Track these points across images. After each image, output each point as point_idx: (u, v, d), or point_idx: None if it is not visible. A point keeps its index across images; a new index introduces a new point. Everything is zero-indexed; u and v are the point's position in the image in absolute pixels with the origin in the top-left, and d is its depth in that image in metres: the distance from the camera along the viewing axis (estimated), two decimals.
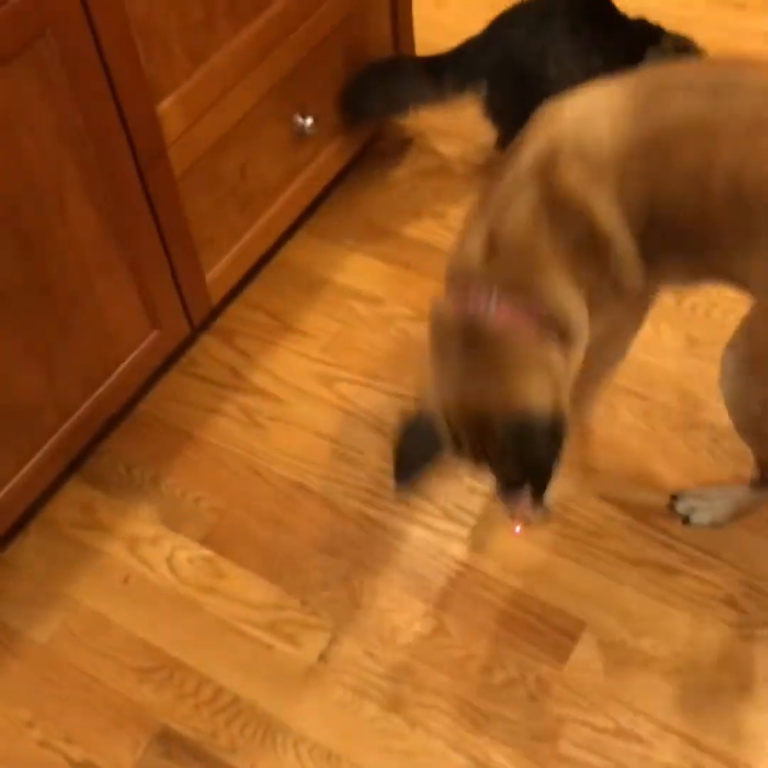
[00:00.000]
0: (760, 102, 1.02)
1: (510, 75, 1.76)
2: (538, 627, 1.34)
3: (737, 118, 1.02)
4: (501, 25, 1.78)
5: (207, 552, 1.45)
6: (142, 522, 1.49)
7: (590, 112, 1.08)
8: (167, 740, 1.28)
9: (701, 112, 1.04)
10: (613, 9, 1.81)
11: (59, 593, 1.42)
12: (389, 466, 1.51)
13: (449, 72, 1.78)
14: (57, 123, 1.19)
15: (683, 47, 1.81)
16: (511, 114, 1.84)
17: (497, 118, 1.85)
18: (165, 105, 1.35)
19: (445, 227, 1.86)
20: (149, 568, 1.44)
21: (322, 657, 1.33)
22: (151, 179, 1.37)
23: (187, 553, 1.45)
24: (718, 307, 1.68)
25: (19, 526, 1.48)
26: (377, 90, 1.78)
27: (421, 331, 1.69)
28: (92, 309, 1.37)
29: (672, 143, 1.04)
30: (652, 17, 1.85)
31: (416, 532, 1.45)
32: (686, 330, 1.66)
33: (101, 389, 1.46)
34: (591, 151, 1.05)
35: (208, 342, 1.71)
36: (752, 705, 1.25)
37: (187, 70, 1.37)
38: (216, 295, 1.64)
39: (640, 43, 1.80)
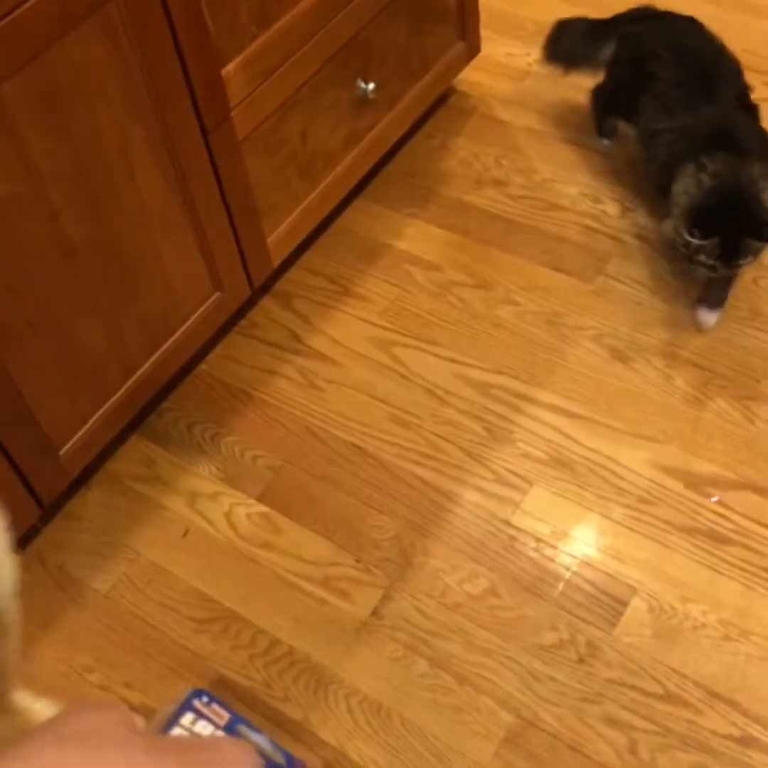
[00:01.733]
0: None
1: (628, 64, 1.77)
2: (589, 591, 1.35)
3: None
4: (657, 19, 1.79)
5: (264, 508, 1.48)
6: (201, 478, 1.53)
7: None
8: (223, 689, 1.32)
9: None
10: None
11: (120, 544, 1.47)
12: (444, 430, 1.54)
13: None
14: (125, 86, 1.22)
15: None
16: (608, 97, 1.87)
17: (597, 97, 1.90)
18: (230, 69, 1.37)
19: (506, 195, 1.86)
20: (208, 522, 1.48)
21: (375, 613, 1.36)
22: (215, 143, 1.39)
23: (245, 509, 1.49)
24: None
25: (83, 479, 1.53)
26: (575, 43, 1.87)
27: (477, 298, 1.70)
28: (157, 270, 1.41)
29: None
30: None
31: (469, 496, 1.47)
32: (750, 302, 1.64)
33: (164, 348, 1.49)
34: None
35: (268, 305, 1.74)
36: None
37: (252, 34, 1.38)
38: (277, 259, 1.66)
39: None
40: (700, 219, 1.49)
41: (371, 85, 1.66)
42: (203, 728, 0.66)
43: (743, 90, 1.68)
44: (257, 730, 0.66)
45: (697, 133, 1.59)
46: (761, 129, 1.66)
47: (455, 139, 1.97)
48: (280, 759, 0.67)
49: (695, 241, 1.49)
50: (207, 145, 1.38)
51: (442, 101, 2.02)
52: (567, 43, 1.88)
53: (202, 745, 0.51)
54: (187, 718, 0.66)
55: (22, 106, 1.11)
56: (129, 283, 1.37)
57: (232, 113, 1.40)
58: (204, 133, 1.37)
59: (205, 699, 0.67)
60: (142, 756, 0.47)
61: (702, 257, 1.51)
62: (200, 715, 0.66)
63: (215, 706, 0.67)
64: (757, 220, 1.48)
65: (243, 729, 0.70)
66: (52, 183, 1.18)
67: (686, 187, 1.55)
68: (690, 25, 1.74)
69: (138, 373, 1.47)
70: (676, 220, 1.55)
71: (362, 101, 1.69)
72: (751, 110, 1.68)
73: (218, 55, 1.34)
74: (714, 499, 1.41)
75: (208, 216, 1.44)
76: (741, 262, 1.51)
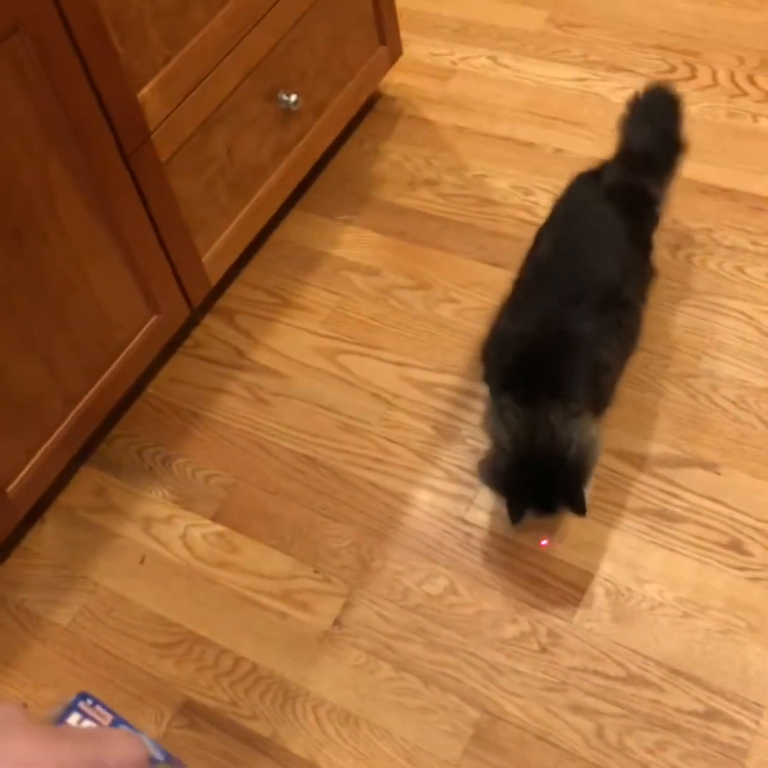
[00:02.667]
0: None
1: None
2: (546, 581, 1.36)
3: None
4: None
5: (219, 528, 1.48)
6: (155, 503, 1.53)
7: None
8: (190, 712, 1.32)
9: None
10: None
11: (78, 576, 1.46)
12: (393, 433, 1.54)
13: None
14: (38, 118, 1.21)
15: None
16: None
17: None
18: (145, 92, 1.36)
19: (438, 195, 1.87)
20: (164, 546, 1.47)
21: (337, 622, 1.36)
22: (137, 166, 1.39)
23: (200, 530, 1.48)
24: (713, 257, 1.68)
25: (35, 514, 1.52)
26: None
27: (418, 299, 1.71)
28: (88, 298, 1.40)
29: None
30: None
31: (423, 496, 1.47)
32: (683, 280, 1.66)
33: (105, 376, 1.49)
34: None
35: (210, 322, 1.74)
36: (761, 646, 1.27)
37: (165, 56, 1.38)
38: (214, 277, 1.66)
39: None
40: (508, 493, 1.31)
41: (294, 97, 1.66)
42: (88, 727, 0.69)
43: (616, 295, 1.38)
44: (139, 731, 0.70)
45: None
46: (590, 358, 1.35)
47: (385, 143, 1.97)
48: (159, 756, 0.70)
49: (508, 519, 1.30)
50: (129, 168, 1.38)
51: (370, 106, 2.03)
52: None
53: (96, 734, 0.57)
54: (73, 718, 0.69)
55: None
56: (60, 314, 1.36)
57: (152, 135, 1.40)
58: (124, 157, 1.36)
59: (89, 701, 0.70)
60: (43, 741, 0.52)
61: (519, 516, 1.30)
62: (85, 715, 0.70)
63: (99, 708, 0.71)
64: (567, 492, 1.28)
65: (125, 728, 0.72)
66: None
67: (493, 430, 1.35)
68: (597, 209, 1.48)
69: (81, 404, 1.46)
70: (485, 471, 1.38)
71: (287, 113, 1.70)
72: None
73: (132, 78, 1.34)
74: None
75: (136, 240, 1.44)
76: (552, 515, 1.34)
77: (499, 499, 1.35)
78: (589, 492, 1.29)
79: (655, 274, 1.55)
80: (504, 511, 1.31)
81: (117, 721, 0.71)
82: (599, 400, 1.38)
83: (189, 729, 1.30)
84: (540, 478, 1.29)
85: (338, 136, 1.90)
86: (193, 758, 1.27)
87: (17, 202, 1.23)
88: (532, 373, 1.32)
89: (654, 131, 1.59)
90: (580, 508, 1.27)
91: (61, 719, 0.69)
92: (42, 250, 1.29)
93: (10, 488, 1.38)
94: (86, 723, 0.70)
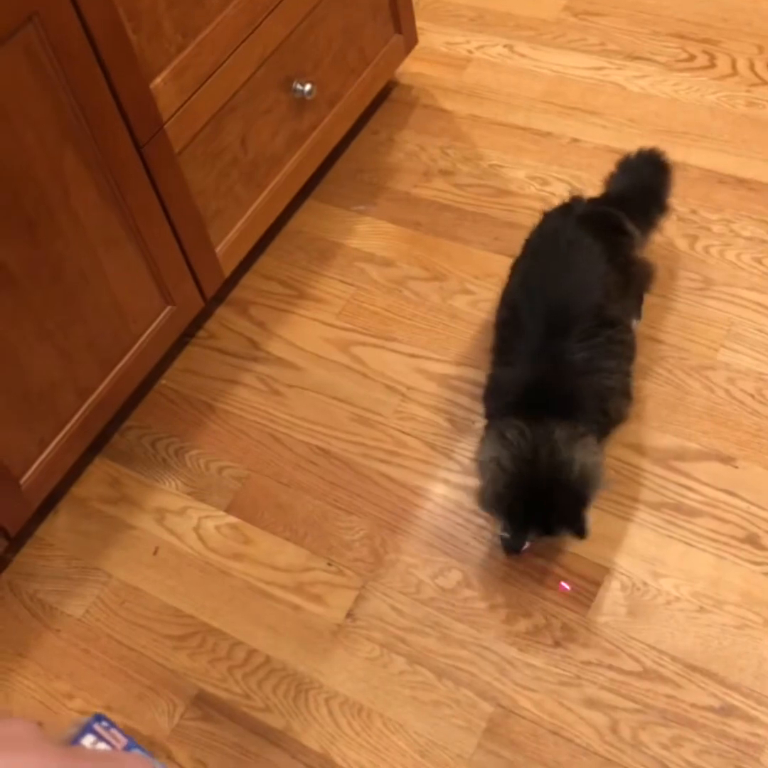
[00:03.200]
0: None
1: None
2: (561, 574, 1.35)
3: None
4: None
5: (233, 519, 1.48)
6: (168, 494, 1.52)
7: None
8: (203, 704, 1.31)
9: None
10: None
11: (92, 568, 1.46)
12: (407, 425, 1.54)
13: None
14: (52, 108, 1.21)
15: None
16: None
17: None
18: (158, 82, 1.36)
19: (454, 185, 1.85)
20: (177, 538, 1.47)
21: (350, 614, 1.36)
22: (150, 157, 1.38)
23: (214, 521, 1.48)
24: (731, 248, 1.67)
25: (49, 506, 1.52)
26: None
27: (432, 291, 1.70)
28: (103, 290, 1.40)
29: None
30: None
31: (437, 489, 1.46)
32: (701, 272, 1.64)
33: (119, 368, 1.49)
34: None
35: (223, 314, 1.74)
36: None
37: (178, 45, 1.37)
38: (228, 268, 1.65)
39: None
40: (508, 512, 1.27)
41: (308, 86, 1.65)
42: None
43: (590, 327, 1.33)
44: (151, 755, 0.69)
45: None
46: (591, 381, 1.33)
47: (400, 133, 1.96)
48: None
49: (507, 540, 1.29)
50: (142, 159, 1.37)
51: (385, 95, 2.01)
52: None
53: (110, 757, 0.58)
54: (88, 739, 0.69)
55: None
56: (74, 306, 1.36)
57: (166, 126, 1.39)
58: (138, 148, 1.36)
59: (105, 724, 0.70)
60: (58, 760, 0.53)
61: (515, 544, 1.30)
62: (100, 737, 0.70)
63: (114, 731, 0.70)
64: (568, 513, 1.26)
65: (138, 753, 0.71)
66: None
67: (491, 454, 1.30)
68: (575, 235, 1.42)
69: (94, 395, 1.46)
70: (484, 494, 1.30)
71: (301, 103, 1.68)
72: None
73: (145, 68, 1.33)
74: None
75: (150, 231, 1.43)
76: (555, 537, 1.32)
77: (498, 528, 1.31)
78: (589, 514, 1.26)
79: (648, 281, 1.53)
80: (500, 541, 1.30)
81: (131, 745, 0.71)
82: (606, 425, 1.36)
83: (202, 721, 1.30)
84: (541, 498, 1.25)
85: (353, 125, 1.89)
86: (206, 750, 1.27)
87: (31, 193, 1.22)
88: (536, 401, 1.30)
89: (638, 187, 1.56)
90: (580, 531, 1.25)
91: (75, 740, 0.68)
92: (56, 241, 1.28)
93: (23, 480, 1.38)
94: (101, 745, 0.69)
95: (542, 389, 1.31)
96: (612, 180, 1.60)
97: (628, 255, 1.48)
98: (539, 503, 1.25)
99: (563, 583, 1.34)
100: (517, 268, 1.48)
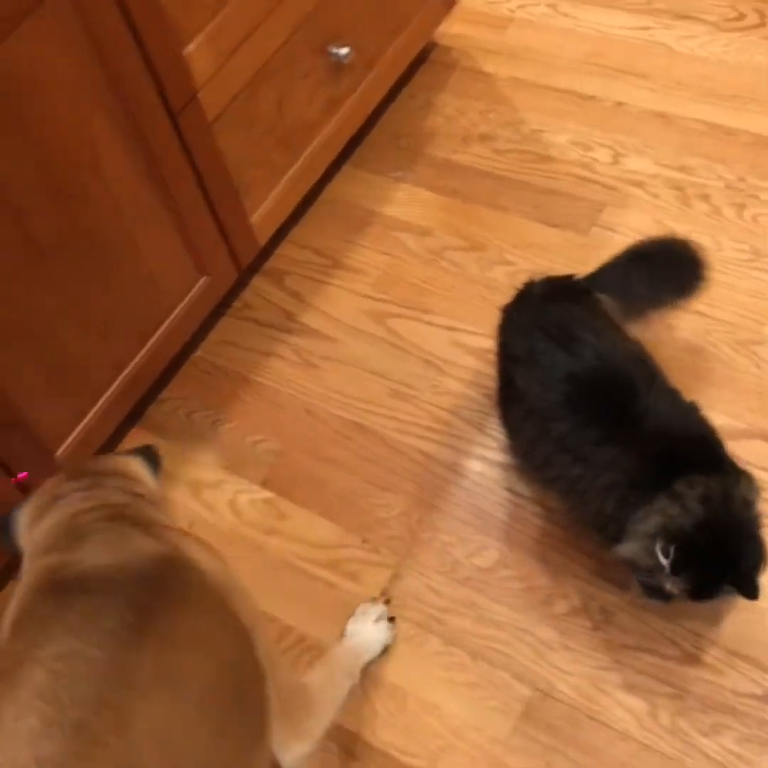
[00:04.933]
0: None
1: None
2: (600, 556, 1.32)
3: None
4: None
5: (267, 494, 1.47)
6: (203, 467, 1.51)
7: None
8: None
9: None
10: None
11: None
12: (444, 400, 1.51)
13: None
14: (83, 76, 1.18)
15: None
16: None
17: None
18: (192, 48, 1.32)
19: (493, 150, 1.81)
20: (212, 511, 1.47)
21: (385, 593, 1.34)
22: (184, 125, 1.35)
23: (249, 495, 1.47)
24: None
25: None
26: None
27: (471, 261, 1.66)
28: (135, 261, 1.38)
29: None
30: None
31: (473, 466, 1.44)
32: (749, 242, 1.59)
33: (154, 339, 1.47)
34: None
35: (258, 284, 1.71)
36: None
37: (211, 10, 1.33)
38: (263, 237, 1.63)
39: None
40: (682, 547, 1.12)
41: (345, 50, 1.61)
42: None
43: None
44: None
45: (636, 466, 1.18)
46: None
47: (439, 96, 1.91)
48: None
49: (666, 568, 1.12)
50: (175, 128, 1.34)
51: (423, 57, 1.96)
52: None
53: None
54: None
55: None
56: (107, 278, 1.34)
57: (199, 93, 1.36)
58: (171, 115, 1.33)
59: None
60: None
61: (666, 585, 1.15)
62: None
63: None
64: (746, 570, 1.13)
65: None
66: (14, 182, 1.15)
67: (662, 512, 1.14)
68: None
69: (130, 367, 1.45)
70: (645, 539, 1.14)
71: (338, 67, 1.64)
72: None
73: (178, 34, 1.29)
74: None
75: (184, 200, 1.40)
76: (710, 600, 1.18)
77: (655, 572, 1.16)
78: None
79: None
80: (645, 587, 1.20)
81: None
82: None
83: None
84: (727, 552, 1.12)
85: (391, 89, 1.84)
86: None
87: (63, 163, 1.20)
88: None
89: (647, 278, 1.38)
90: (753, 592, 1.12)
91: None
92: (88, 212, 1.26)
93: (59, 452, 1.38)
94: None
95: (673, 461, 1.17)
96: (613, 266, 1.41)
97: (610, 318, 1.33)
98: (723, 558, 1.13)
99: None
100: (522, 374, 1.28)
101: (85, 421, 1.41)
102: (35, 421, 1.32)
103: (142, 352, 1.46)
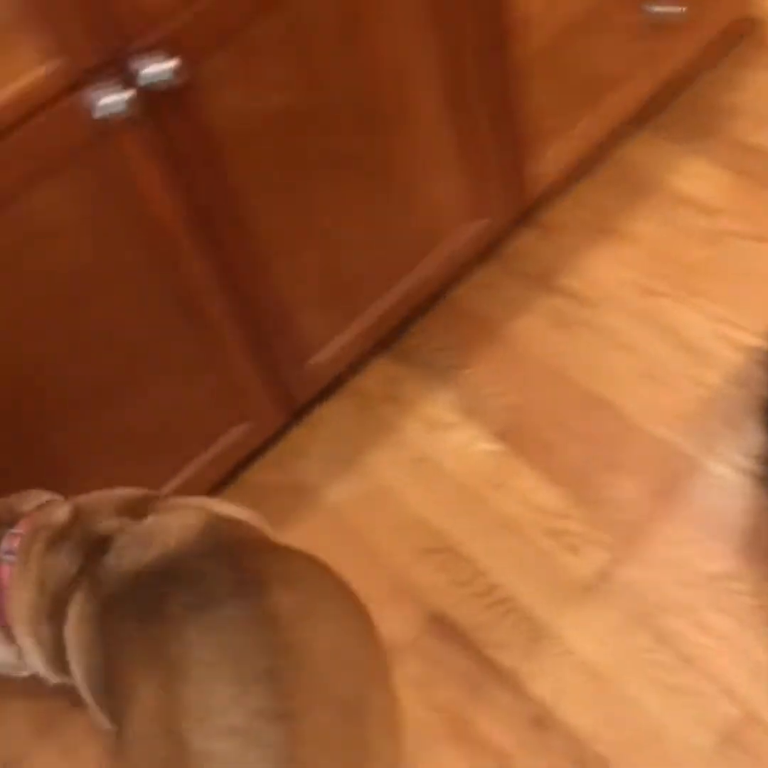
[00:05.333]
0: None
1: None
2: None
3: None
4: None
5: (500, 447, 1.45)
6: (440, 406, 1.51)
7: None
8: (438, 623, 1.32)
9: None
10: None
11: (355, 460, 1.48)
12: (699, 393, 1.44)
13: None
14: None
15: None
16: None
17: None
18: None
19: None
20: (442, 452, 1.47)
21: (602, 575, 1.31)
22: (494, 64, 1.32)
23: (481, 445, 1.46)
24: None
25: (327, 392, 1.54)
26: None
27: (757, 252, 1.56)
28: (421, 190, 1.38)
29: None
30: None
31: (719, 468, 1.37)
32: None
33: (419, 268, 1.47)
34: None
35: (531, 235, 1.67)
36: None
37: None
38: (541, 187, 1.58)
39: None
40: None
41: (659, 8, 1.52)
42: None
43: None
44: None
45: None
46: None
47: (753, 73, 1.79)
48: None
49: None
50: (487, 65, 1.32)
51: (743, 31, 1.83)
52: None
53: None
54: None
55: (321, 24, 1.09)
56: (392, 201, 1.35)
57: (518, 30, 1.32)
58: (484, 53, 1.30)
59: None
60: None
61: None
62: None
63: None
64: None
65: None
66: (332, 97, 1.17)
67: None
68: None
69: (391, 292, 1.46)
70: None
71: (653, 26, 1.56)
72: None
73: None
74: None
75: (477, 140, 1.39)
76: None
77: None
78: None
79: None
80: None
81: None
82: None
83: (439, 639, 1.30)
84: None
85: (701, 58, 1.74)
86: (438, 671, 1.27)
87: (373, 90, 1.20)
88: None
89: None
90: None
91: None
92: (386, 134, 1.26)
93: (311, 360, 1.41)
94: None
95: None
96: None
97: None
98: None
99: None
100: None
101: (340, 337, 1.43)
102: (298, 330, 1.35)
103: (407, 279, 1.46)
